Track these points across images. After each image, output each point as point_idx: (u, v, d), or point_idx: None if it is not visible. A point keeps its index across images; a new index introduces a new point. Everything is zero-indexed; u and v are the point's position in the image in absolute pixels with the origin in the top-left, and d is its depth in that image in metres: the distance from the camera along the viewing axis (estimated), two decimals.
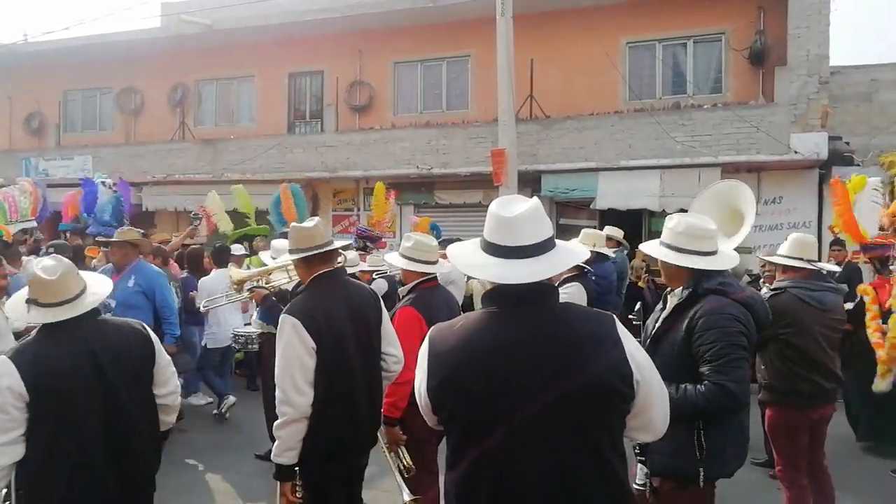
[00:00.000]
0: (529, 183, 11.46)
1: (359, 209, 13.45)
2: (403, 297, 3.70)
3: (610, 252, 6.35)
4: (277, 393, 2.80)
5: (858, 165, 10.53)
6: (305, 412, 2.77)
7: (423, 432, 3.23)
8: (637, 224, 11.38)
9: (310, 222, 3.08)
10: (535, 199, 1.87)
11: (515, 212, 1.78)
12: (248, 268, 7.20)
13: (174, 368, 2.83)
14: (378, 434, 3.23)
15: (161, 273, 5.89)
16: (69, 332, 2.49)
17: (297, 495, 2.83)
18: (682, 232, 2.73)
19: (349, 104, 13.84)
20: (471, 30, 12.49)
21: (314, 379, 2.79)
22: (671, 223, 2.78)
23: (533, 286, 1.74)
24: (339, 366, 2.85)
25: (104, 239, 7.34)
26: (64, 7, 63.77)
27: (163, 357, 2.74)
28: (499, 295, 1.79)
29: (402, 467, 3.32)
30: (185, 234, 9.27)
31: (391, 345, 3.19)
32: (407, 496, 3.03)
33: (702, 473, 2.61)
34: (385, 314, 3.23)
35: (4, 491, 2.44)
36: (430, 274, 3.69)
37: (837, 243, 7.56)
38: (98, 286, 2.68)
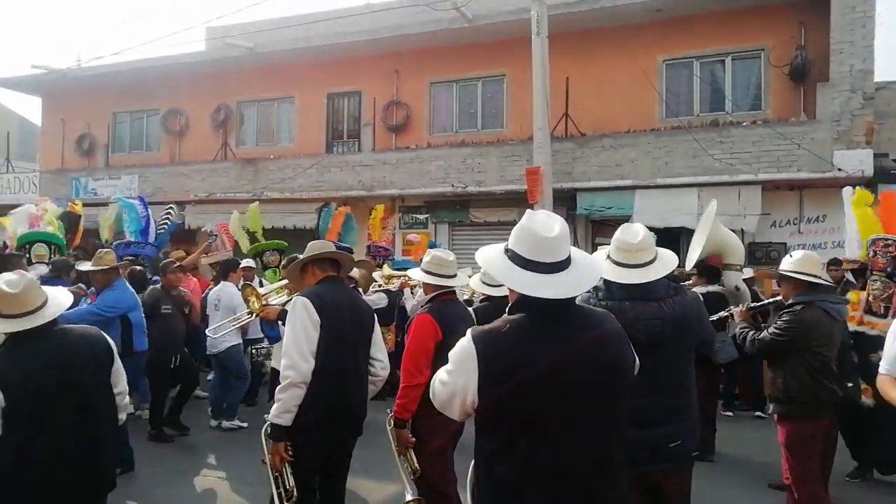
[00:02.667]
0: (565, 201, 11.44)
1: (395, 228, 13.58)
2: (422, 306, 3.94)
3: None
4: (284, 360, 3.20)
5: None
6: (306, 378, 3.16)
7: (440, 441, 3.60)
8: (675, 242, 11.22)
9: (321, 241, 3.82)
10: (558, 217, 2.08)
11: (555, 230, 1.99)
12: (262, 283, 7.34)
13: (124, 373, 3.09)
14: (389, 434, 3.54)
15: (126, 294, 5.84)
16: (35, 341, 2.72)
17: (289, 454, 3.17)
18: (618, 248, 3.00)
19: (386, 124, 14.05)
20: (506, 49, 12.59)
21: (315, 349, 3.20)
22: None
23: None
24: (336, 345, 3.26)
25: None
26: (114, 32, 66.36)
27: (117, 361, 3.02)
28: (536, 304, 1.95)
29: (410, 469, 3.53)
30: (200, 250, 9.49)
31: (380, 351, 3.62)
32: (410, 496, 3.25)
33: None
34: (377, 325, 3.69)
35: None
36: (447, 287, 3.89)
37: (834, 263, 7.41)
38: (59, 299, 2.91)
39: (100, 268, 5.62)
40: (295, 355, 3.17)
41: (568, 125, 12.04)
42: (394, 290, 7.47)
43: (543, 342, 1.94)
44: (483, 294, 4.87)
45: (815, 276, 4.04)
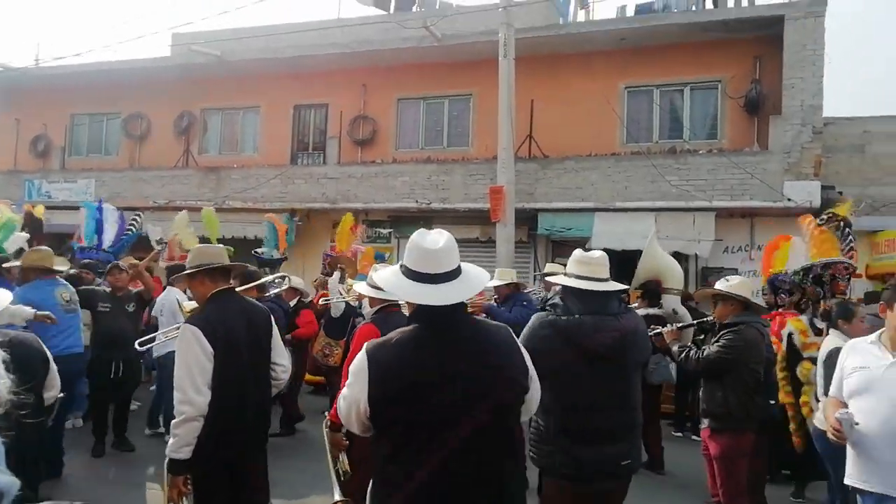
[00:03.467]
0: (526, 221, 11.61)
1: (359, 240, 13.54)
2: (369, 317, 4.11)
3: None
4: (176, 394, 3.11)
5: (851, 215, 10.68)
6: (203, 411, 3.09)
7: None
8: (631, 265, 11.45)
9: (214, 246, 3.66)
10: (447, 233, 2.23)
11: (440, 244, 2.15)
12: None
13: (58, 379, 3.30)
14: (324, 435, 3.50)
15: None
16: None
17: (188, 487, 3.12)
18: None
19: (352, 137, 14.07)
20: (473, 70, 12.77)
21: (210, 380, 3.13)
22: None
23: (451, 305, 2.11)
24: (233, 370, 3.20)
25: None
26: (77, 33, 64.97)
27: (52, 364, 3.25)
28: (426, 313, 2.12)
29: (339, 471, 3.51)
30: (149, 257, 9.33)
31: (280, 356, 3.61)
32: (338, 496, 3.20)
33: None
34: (275, 329, 3.64)
35: None
36: (390, 301, 3.99)
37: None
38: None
39: (12, 265, 5.67)
40: (189, 390, 3.08)
41: (532, 146, 12.26)
42: (353, 303, 7.46)
43: (429, 348, 2.07)
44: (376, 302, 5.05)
45: (750, 299, 4.37)
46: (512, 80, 10.63)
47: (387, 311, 3.92)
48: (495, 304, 6.65)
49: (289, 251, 11.40)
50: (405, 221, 13.14)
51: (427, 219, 12.90)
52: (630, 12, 13.19)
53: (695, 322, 5.24)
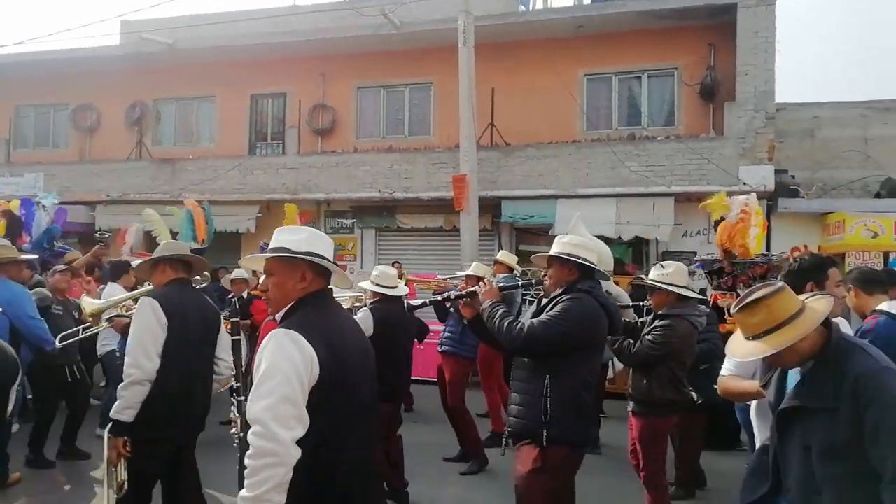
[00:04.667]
0: (490, 208, 11.64)
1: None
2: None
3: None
4: (127, 358, 3.29)
5: (803, 197, 11.03)
6: (150, 376, 3.25)
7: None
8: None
9: (180, 242, 4.17)
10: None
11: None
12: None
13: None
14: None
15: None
16: None
17: (127, 449, 3.23)
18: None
19: (311, 127, 13.86)
20: (433, 58, 12.70)
21: (161, 350, 3.31)
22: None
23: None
24: (182, 346, 3.37)
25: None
26: (18, 21, 62.31)
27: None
28: (323, 294, 2.37)
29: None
30: (92, 251, 9.04)
31: (224, 351, 3.73)
32: None
33: (545, 434, 3.11)
34: (223, 325, 3.81)
35: None
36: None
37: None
38: None
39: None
40: (139, 354, 3.26)
41: (493, 135, 12.27)
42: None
43: (337, 321, 2.35)
44: (377, 295, 5.12)
45: (686, 289, 4.39)
46: (472, 68, 10.61)
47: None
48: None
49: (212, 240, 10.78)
50: (368, 212, 13.04)
51: (390, 208, 12.83)
52: (587, 0, 13.29)
53: (630, 304, 5.29)
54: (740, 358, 2.41)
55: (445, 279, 8.00)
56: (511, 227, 12.04)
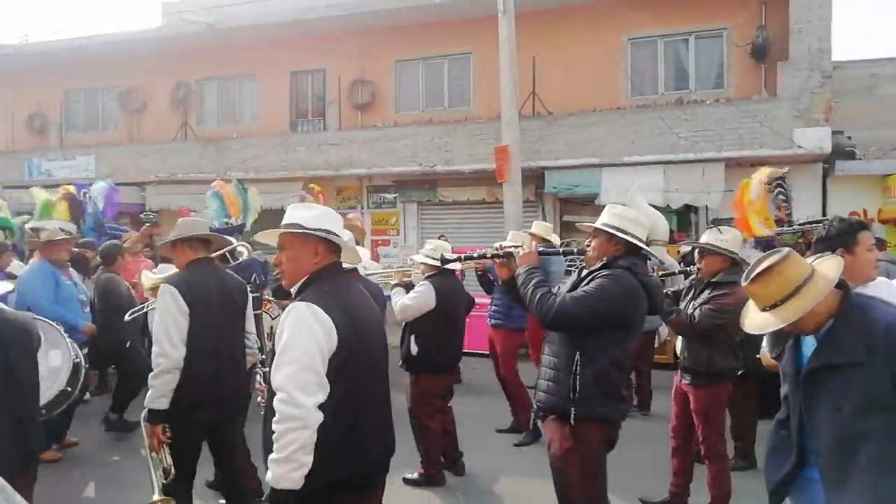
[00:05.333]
0: (533, 179, 11.51)
1: (363, 207, 13.48)
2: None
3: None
4: (155, 348, 3.32)
5: (861, 159, 10.59)
6: (178, 364, 3.28)
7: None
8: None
9: (197, 219, 3.94)
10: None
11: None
12: None
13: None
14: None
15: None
16: None
17: (167, 434, 3.29)
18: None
19: (351, 102, 13.86)
20: (472, 28, 12.51)
21: (186, 338, 3.32)
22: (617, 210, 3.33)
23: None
24: (207, 329, 3.38)
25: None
26: (65, 8, 63.63)
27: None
28: (337, 269, 2.50)
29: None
30: (140, 232, 9.12)
31: (250, 324, 3.84)
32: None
33: (573, 412, 3.03)
34: (250, 299, 3.86)
35: None
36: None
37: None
38: None
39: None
40: (165, 343, 3.28)
41: (535, 104, 12.07)
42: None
43: (353, 295, 2.48)
44: (431, 268, 5.05)
45: (739, 256, 4.24)
46: (512, 36, 10.39)
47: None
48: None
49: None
50: (410, 186, 13.05)
51: (432, 182, 12.81)
52: None
53: (677, 271, 5.19)
54: (756, 331, 2.35)
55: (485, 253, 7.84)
56: (555, 197, 11.89)
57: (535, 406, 3.30)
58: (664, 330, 7.60)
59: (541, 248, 3.46)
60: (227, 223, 9.06)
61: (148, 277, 5.19)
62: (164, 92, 15.28)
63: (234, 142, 14.05)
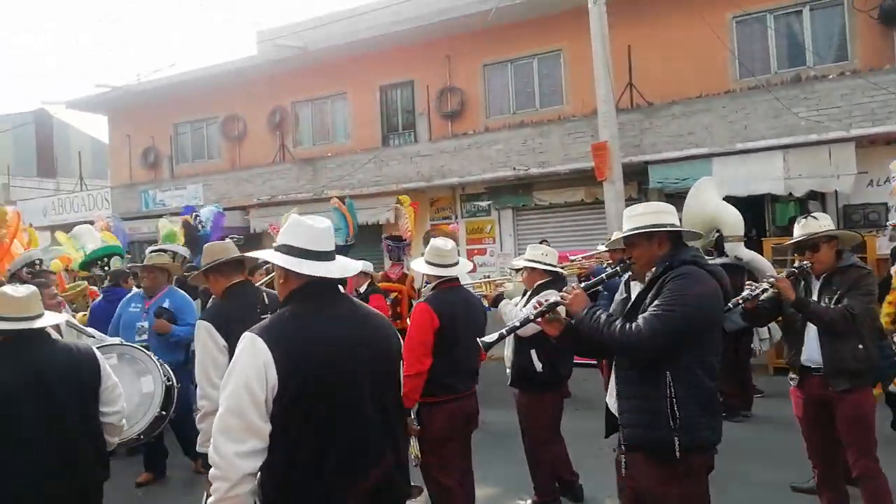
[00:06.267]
0: (635, 175, 10.84)
1: (456, 217, 13.26)
2: (426, 295, 4.01)
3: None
4: (198, 389, 3.18)
5: None
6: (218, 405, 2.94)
7: (442, 431, 3.64)
8: (759, 210, 10.47)
9: (220, 243, 3.64)
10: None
11: (323, 224, 2.22)
12: None
13: (121, 391, 3.06)
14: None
15: (189, 300, 5.61)
16: (18, 352, 2.78)
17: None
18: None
19: (440, 111, 13.72)
20: (560, 23, 12.06)
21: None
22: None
23: (332, 283, 2.19)
24: None
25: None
26: (169, 45, 68.77)
27: (110, 379, 2.97)
28: (311, 291, 2.15)
29: (412, 456, 3.49)
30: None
31: None
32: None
33: (677, 443, 2.54)
34: None
35: None
36: (447, 276, 3.88)
37: None
38: (52, 317, 3.00)
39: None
40: (205, 384, 3.12)
41: (633, 95, 11.39)
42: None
43: (323, 322, 2.11)
44: (545, 274, 4.55)
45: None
46: (605, 27, 9.83)
47: (444, 288, 3.84)
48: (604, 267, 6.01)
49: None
50: (504, 192, 12.71)
51: (526, 186, 12.40)
52: None
53: (795, 269, 4.42)
54: None
55: (584, 258, 7.15)
56: (660, 193, 11.10)
57: (620, 444, 2.81)
58: (763, 331, 6.95)
59: (584, 284, 2.93)
60: (346, 241, 9.02)
61: None
62: (261, 117, 15.82)
63: (329, 160, 14.28)
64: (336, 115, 15.44)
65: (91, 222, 10.52)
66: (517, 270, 5.49)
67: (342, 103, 15.24)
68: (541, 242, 8.45)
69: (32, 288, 2.95)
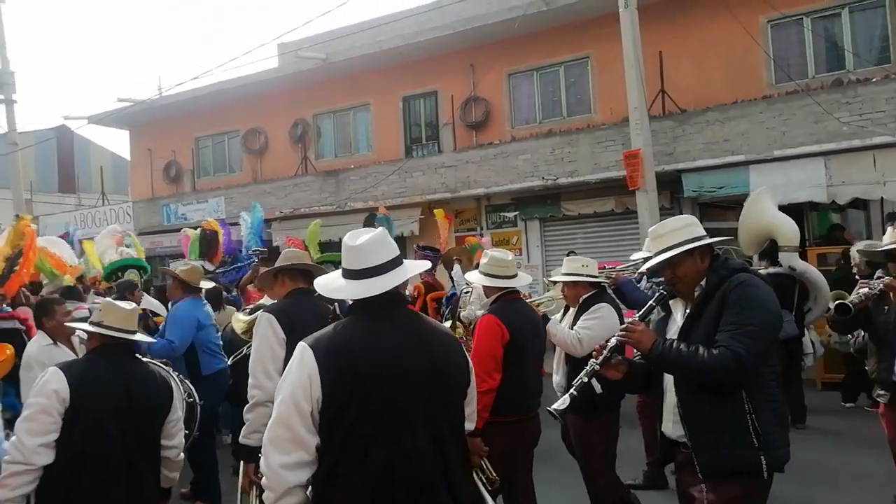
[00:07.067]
0: (668, 185, 10.51)
1: (482, 228, 13.00)
2: (488, 307, 3.90)
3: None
4: (250, 379, 3.12)
5: None
6: (272, 396, 2.90)
7: (504, 454, 3.49)
8: (799, 218, 10.08)
9: (299, 251, 3.89)
10: (381, 228, 2.23)
11: (359, 241, 2.14)
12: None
13: (182, 427, 3.12)
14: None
15: (185, 316, 5.37)
16: (117, 360, 2.87)
17: (259, 475, 2.87)
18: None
19: (465, 122, 13.50)
20: (587, 30, 11.81)
21: (282, 367, 2.97)
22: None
23: (388, 296, 2.08)
24: None
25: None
26: (190, 59, 69.51)
27: (176, 412, 3.04)
28: (362, 305, 2.10)
29: (485, 480, 3.19)
30: (250, 273, 8.74)
31: None
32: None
33: (764, 463, 2.40)
34: None
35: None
36: (509, 288, 3.82)
37: None
38: (143, 335, 3.18)
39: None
40: (259, 374, 3.10)
41: (665, 102, 11.09)
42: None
43: (374, 335, 2.05)
44: (593, 286, 4.33)
45: None
46: (636, 31, 9.57)
47: (507, 300, 3.77)
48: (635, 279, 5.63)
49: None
50: (531, 202, 12.42)
51: (554, 196, 12.11)
52: None
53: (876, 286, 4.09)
54: None
55: (616, 270, 6.76)
56: (693, 202, 10.79)
57: (698, 471, 2.52)
58: (808, 345, 6.86)
59: (638, 314, 2.69)
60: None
61: (238, 319, 4.86)
62: (283, 129, 15.71)
63: (352, 172, 14.11)
64: (358, 126, 15.28)
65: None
66: (554, 283, 5.19)
67: (365, 115, 15.08)
68: (568, 254, 8.12)
69: (134, 304, 3.12)
